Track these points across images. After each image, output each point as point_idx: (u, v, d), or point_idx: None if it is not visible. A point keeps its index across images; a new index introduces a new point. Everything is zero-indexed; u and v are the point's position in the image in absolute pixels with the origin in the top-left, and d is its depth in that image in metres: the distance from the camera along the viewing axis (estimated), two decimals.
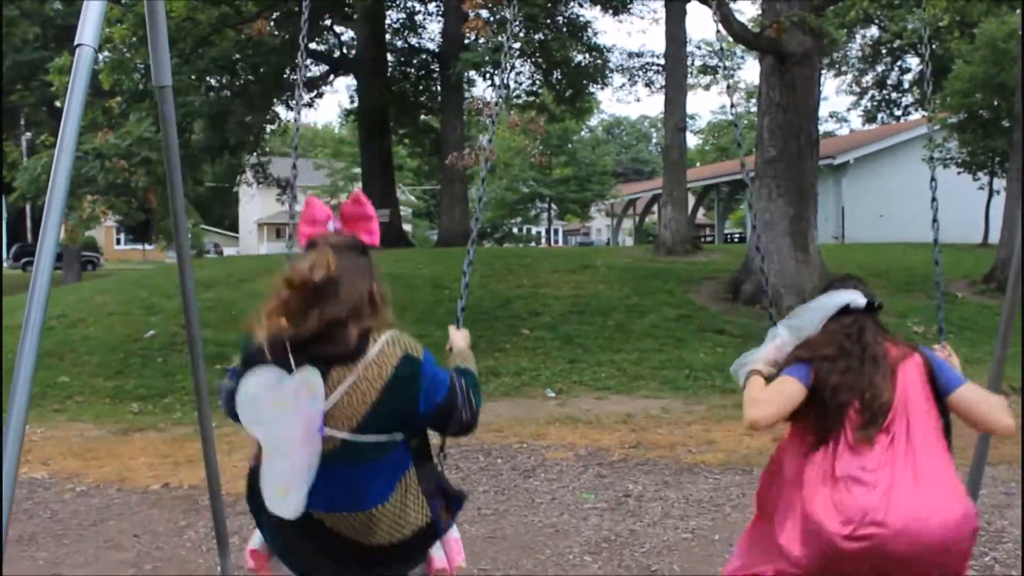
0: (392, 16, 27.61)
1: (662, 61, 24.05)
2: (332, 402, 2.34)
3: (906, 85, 37.59)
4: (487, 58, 14.15)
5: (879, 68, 37.25)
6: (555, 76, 24.33)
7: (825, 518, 2.54)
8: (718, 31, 4.17)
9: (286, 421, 2.33)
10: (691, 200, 29.20)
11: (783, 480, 2.89)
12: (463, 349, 2.90)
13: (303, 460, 2.33)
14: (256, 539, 2.67)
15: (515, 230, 56.61)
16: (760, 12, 15.56)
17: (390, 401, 2.37)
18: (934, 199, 4.16)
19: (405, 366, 2.39)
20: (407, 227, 42.08)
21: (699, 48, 29.13)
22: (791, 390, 2.80)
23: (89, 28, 2.79)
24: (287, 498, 2.35)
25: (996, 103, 21.39)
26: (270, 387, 2.36)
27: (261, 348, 2.39)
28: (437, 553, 2.58)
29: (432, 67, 27.80)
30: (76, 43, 2.74)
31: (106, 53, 14.54)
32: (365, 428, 2.37)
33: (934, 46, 32.55)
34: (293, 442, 2.33)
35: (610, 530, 5.29)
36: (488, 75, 19.60)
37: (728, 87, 4.00)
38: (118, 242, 64.76)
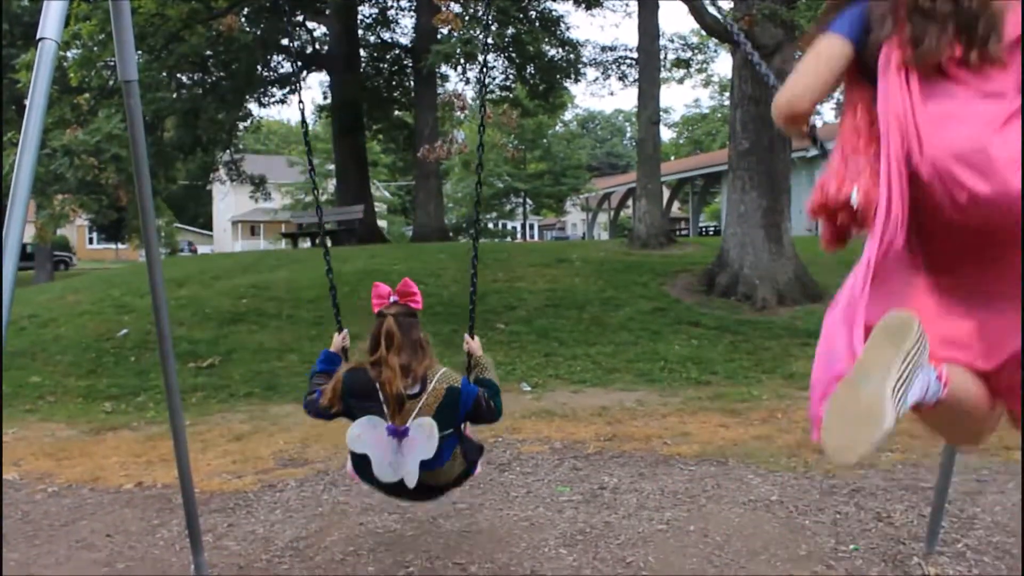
0: (364, 11, 27.55)
1: (635, 55, 24.10)
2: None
3: None
4: (458, 50, 14.12)
5: None
6: (528, 71, 24.33)
7: None
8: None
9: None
10: (666, 193, 29.31)
11: None
12: (482, 358, 4.21)
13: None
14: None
15: (490, 225, 56.62)
16: (733, 5, 15.58)
17: (443, 413, 3.76)
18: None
19: (450, 395, 3.77)
20: (382, 223, 41.98)
21: (672, 42, 29.13)
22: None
23: (52, 22, 2.77)
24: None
25: None
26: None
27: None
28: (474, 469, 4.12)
29: (405, 62, 27.76)
30: (39, 37, 2.72)
31: (74, 50, 14.40)
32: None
33: None
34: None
35: (585, 522, 5.29)
36: (461, 68, 19.55)
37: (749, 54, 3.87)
38: (91, 241, 64.29)
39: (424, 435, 3.70)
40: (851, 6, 2.53)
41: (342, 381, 3.84)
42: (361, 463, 3.84)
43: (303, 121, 4.46)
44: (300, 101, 4.61)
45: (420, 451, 3.71)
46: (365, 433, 3.74)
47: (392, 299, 3.87)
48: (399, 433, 3.70)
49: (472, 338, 4.30)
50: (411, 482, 3.74)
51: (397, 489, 3.86)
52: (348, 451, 3.92)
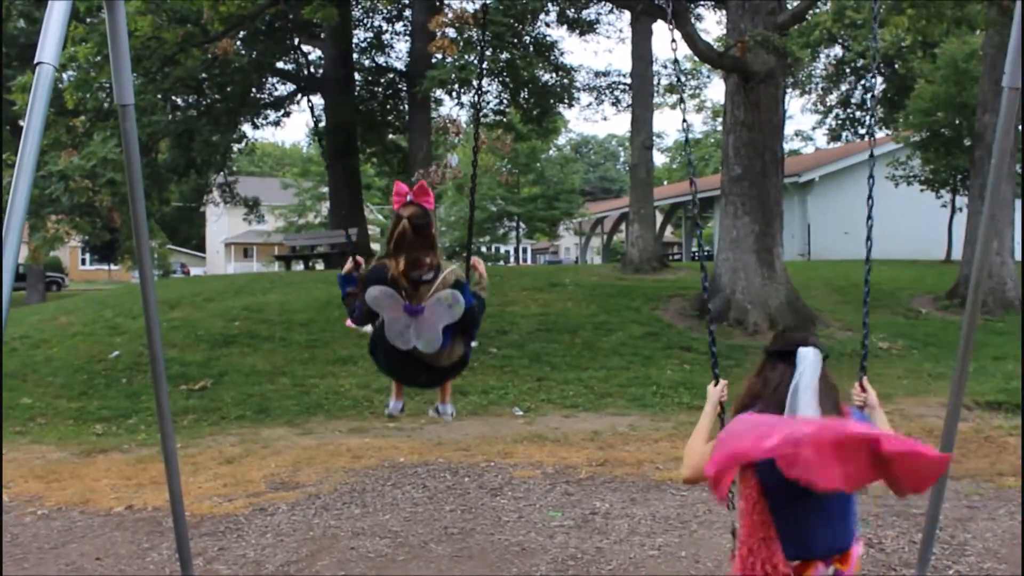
0: (359, 35, 27.66)
1: (629, 80, 24.21)
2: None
3: (870, 104, 38.01)
4: (453, 76, 14.18)
5: (843, 87, 37.69)
6: (522, 95, 24.41)
7: None
8: (674, 47, 4.28)
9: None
10: (658, 218, 29.37)
11: None
12: (484, 278, 4.46)
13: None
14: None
15: (483, 249, 56.63)
16: (725, 32, 15.69)
17: None
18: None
19: (457, 286, 4.04)
20: (375, 246, 41.95)
21: (665, 67, 29.24)
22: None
23: (49, 46, 2.78)
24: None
25: (957, 122, 21.70)
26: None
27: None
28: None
29: (399, 86, 27.82)
30: (36, 61, 2.73)
31: (70, 72, 14.42)
32: None
33: (896, 65, 33.01)
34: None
35: (577, 548, 5.28)
36: (455, 93, 19.63)
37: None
38: (83, 262, 64.11)
39: (444, 305, 4.01)
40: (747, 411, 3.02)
41: (366, 275, 4.19)
42: (377, 340, 4.16)
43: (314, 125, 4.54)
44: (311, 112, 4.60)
45: (442, 318, 4.01)
46: (383, 297, 3.99)
47: (409, 198, 4.11)
48: (414, 311, 4.00)
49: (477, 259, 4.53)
50: (431, 347, 4.04)
51: (405, 366, 4.22)
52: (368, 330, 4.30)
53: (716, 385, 3.60)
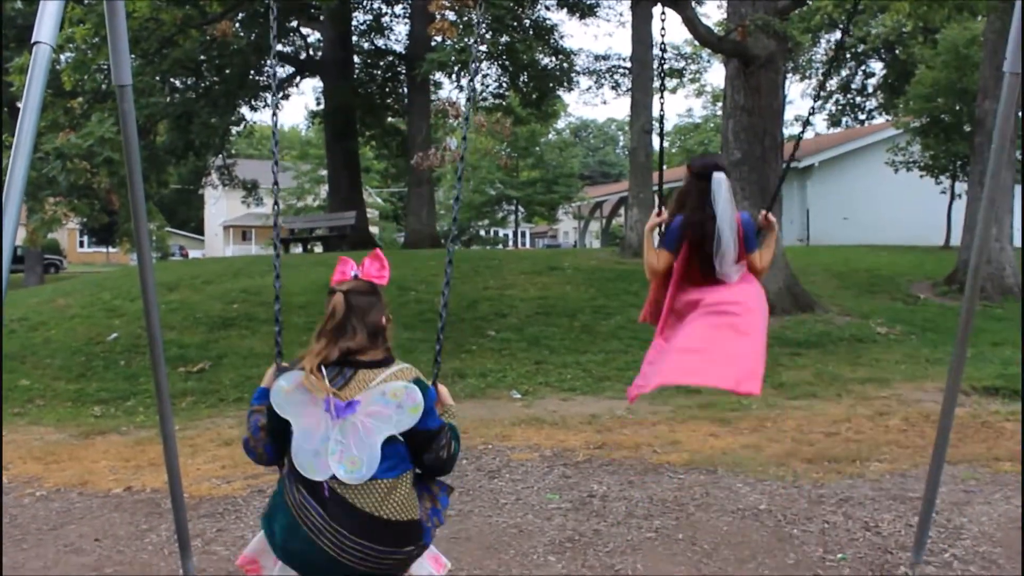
0: (359, 18, 27.60)
1: (628, 64, 24.16)
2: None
3: (870, 89, 37.96)
4: (453, 58, 14.14)
5: (843, 72, 37.55)
6: (522, 79, 24.36)
7: None
8: (663, 32, 4.54)
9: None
10: (657, 202, 29.44)
11: None
12: (452, 406, 3.27)
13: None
14: (248, 548, 3.15)
15: (482, 232, 56.62)
16: (725, 16, 15.64)
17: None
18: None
19: (420, 385, 2.89)
20: (374, 229, 41.96)
21: (665, 50, 29.26)
22: None
23: (46, 26, 2.77)
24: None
25: (958, 108, 21.67)
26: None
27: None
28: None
29: (398, 69, 27.80)
30: (33, 41, 2.73)
31: (68, 53, 14.36)
32: None
33: (897, 51, 32.92)
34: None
35: (574, 530, 5.30)
36: (454, 76, 19.58)
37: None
38: (81, 244, 64.15)
39: (392, 404, 2.79)
40: (676, 218, 4.25)
41: (277, 371, 3.04)
42: (277, 494, 2.97)
43: (273, 133, 4.07)
44: (274, 115, 4.20)
45: (385, 423, 2.78)
46: (296, 393, 2.84)
47: (353, 274, 3.06)
48: (342, 408, 2.78)
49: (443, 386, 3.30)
50: (356, 474, 2.75)
51: (320, 521, 2.77)
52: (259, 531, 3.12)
53: (659, 215, 4.47)
